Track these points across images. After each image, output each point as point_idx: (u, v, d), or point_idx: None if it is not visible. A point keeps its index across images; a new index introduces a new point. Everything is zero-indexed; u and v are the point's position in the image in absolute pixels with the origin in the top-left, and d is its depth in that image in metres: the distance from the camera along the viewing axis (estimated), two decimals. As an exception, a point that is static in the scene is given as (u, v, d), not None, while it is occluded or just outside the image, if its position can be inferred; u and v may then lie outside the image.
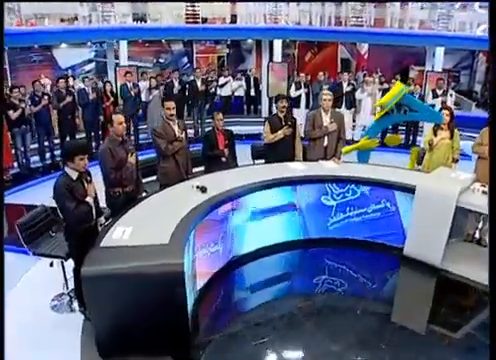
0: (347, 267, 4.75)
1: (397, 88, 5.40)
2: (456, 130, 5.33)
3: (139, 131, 9.53)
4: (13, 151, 7.82)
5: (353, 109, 9.63)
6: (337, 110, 5.55)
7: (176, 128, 4.86)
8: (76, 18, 8.97)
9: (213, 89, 11.48)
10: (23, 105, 7.68)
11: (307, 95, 9.81)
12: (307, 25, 10.47)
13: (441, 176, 4.75)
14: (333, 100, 9.29)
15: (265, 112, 11.77)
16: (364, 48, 15.43)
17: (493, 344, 2.35)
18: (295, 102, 9.99)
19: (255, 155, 6.05)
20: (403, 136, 9.41)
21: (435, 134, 5.32)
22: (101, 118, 8.80)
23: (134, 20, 9.82)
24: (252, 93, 11.80)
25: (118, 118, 4.19)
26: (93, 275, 3.17)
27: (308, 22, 10.49)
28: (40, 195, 5.13)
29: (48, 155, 8.50)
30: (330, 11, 10.21)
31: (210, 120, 10.14)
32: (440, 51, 9.95)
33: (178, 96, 9.53)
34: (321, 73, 9.88)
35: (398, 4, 9.72)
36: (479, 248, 4.92)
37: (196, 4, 10.10)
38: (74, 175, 3.57)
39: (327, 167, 5.16)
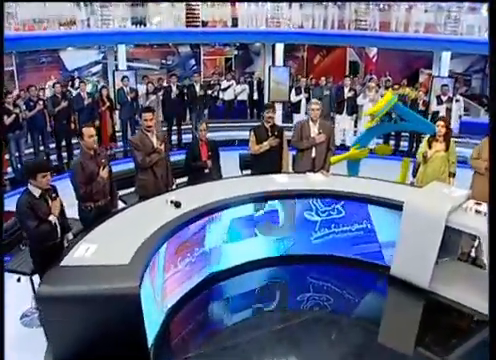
0: (329, 286, 4.54)
1: (387, 97, 5.21)
2: (453, 142, 5.04)
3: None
4: (7, 156, 7.80)
5: (354, 115, 9.36)
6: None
7: (154, 139, 4.69)
8: (74, 22, 8.88)
9: (215, 93, 11.37)
10: (17, 110, 7.65)
11: (308, 100, 9.56)
12: (310, 28, 10.20)
13: (432, 192, 4.48)
14: (334, 105, 9.42)
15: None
16: (373, 51, 15.10)
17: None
18: (295, 107, 9.80)
19: (243, 165, 5.87)
20: (406, 143, 9.16)
21: (430, 146, 5.02)
22: (97, 123, 8.71)
23: (133, 24, 9.70)
24: (255, 97, 11.62)
25: (88, 131, 4.06)
26: (47, 296, 3.09)
27: (311, 25, 10.22)
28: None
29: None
30: (333, 14, 9.93)
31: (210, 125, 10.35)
32: (446, 55, 9.59)
33: (176, 101, 9.44)
34: (323, 78, 9.62)
35: (403, 7, 9.39)
36: (473, 269, 4.64)
37: (196, 7, 9.94)
38: (37, 192, 3.49)
39: (314, 180, 4.93)
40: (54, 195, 3.60)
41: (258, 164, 5.19)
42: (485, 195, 4.54)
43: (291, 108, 10.09)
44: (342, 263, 4.74)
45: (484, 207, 4.17)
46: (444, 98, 8.69)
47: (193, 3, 9.94)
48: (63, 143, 8.55)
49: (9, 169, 7.85)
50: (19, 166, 8.00)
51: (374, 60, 15.61)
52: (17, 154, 7.88)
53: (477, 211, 4.13)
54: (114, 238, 3.67)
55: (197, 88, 9.52)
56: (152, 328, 3.54)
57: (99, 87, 9.36)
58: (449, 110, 8.66)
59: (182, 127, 9.80)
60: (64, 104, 8.19)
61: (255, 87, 11.45)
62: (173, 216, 3.99)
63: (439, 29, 9.38)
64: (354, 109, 9.25)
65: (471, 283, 4.25)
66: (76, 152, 8.63)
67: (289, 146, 5.31)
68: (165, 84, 9.89)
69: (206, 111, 10.12)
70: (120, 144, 9.36)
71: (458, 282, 4.35)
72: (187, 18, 9.98)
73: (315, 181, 4.90)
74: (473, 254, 4.85)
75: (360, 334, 3.88)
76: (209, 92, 11.35)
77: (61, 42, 9.03)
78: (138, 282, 3.08)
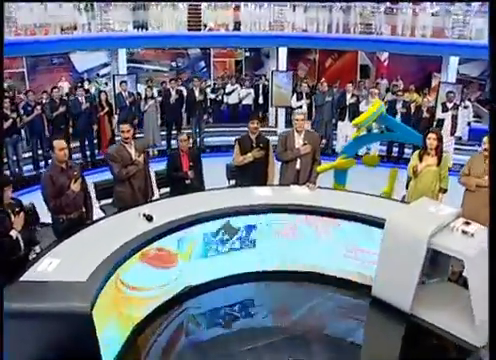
0: (305, 304, 4.33)
1: (374, 107, 5.01)
2: (445, 156, 4.77)
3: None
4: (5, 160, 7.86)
5: (357, 122, 9.10)
6: (312, 131, 5.12)
7: (133, 151, 4.63)
8: (75, 27, 8.91)
9: (220, 97, 11.26)
10: (14, 115, 7.70)
11: (309, 106, 9.37)
12: (314, 32, 9.99)
13: (417, 210, 4.23)
14: (336, 112, 9.19)
15: (272, 121, 11.39)
16: (384, 54, 14.74)
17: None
18: (297, 113, 9.57)
19: (230, 175, 5.73)
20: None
21: (420, 160, 4.77)
22: (95, 127, 8.73)
23: (135, 28, 9.68)
24: (260, 101, 11.47)
25: (58, 144, 4.01)
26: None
27: (315, 29, 10.01)
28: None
29: (42, 164, 8.50)
30: (338, 18, 9.69)
31: (209, 129, 10.24)
32: (454, 60, 9.24)
33: (175, 105, 9.37)
34: (325, 84, 9.40)
35: (410, 10, 9.10)
36: (462, 291, 4.36)
37: (198, 11, 9.85)
38: None
39: (296, 193, 4.76)
40: (17, 209, 3.56)
41: (242, 176, 5.06)
42: (476, 213, 4.34)
43: (292, 114, 9.87)
44: (323, 280, 4.55)
45: (472, 227, 3.93)
46: (449, 105, 8.37)
47: (195, 6, 9.85)
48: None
49: (7, 173, 7.91)
50: (17, 170, 8.08)
51: (385, 64, 15.26)
52: (15, 158, 7.95)
53: (464, 232, 3.86)
54: (79, 253, 3.59)
55: (196, 93, 9.42)
56: (114, 345, 3.46)
57: (96, 92, 9.34)
58: (455, 117, 8.33)
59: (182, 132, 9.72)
60: (62, 109, 8.23)
61: (260, 91, 11.33)
62: (143, 230, 3.89)
63: (447, 33, 9.04)
64: (356, 116, 8.98)
65: (457, 307, 4.00)
66: (75, 156, 8.74)
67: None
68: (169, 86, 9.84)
69: (205, 116, 10.00)
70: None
71: (443, 306, 4.10)
72: (189, 22, 9.91)
73: (297, 194, 4.72)
74: (465, 273, 4.60)
75: (330, 356, 3.70)
76: (212, 96, 11.32)
77: (62, 46, 9.06)
78: (90, 302, 3.00)
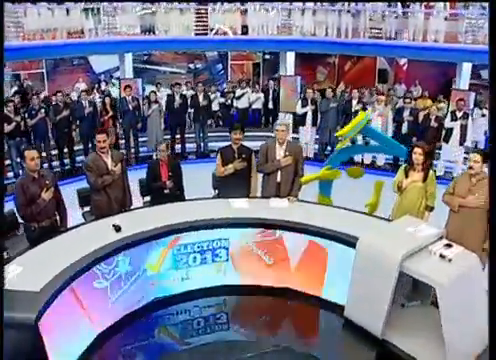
0: (275, 322, 4.19)
1: (358, 118, 4.83)
2: (432, 172, 4.51)
3: (139, 144, 9.46)
4: (8, 161, 8.04)
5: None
6: (294, 142, 4.97)
7: (109, 161, 4.63)
8: (82, 32, 9.03)
9: (229, 101, 11.18)
10: (18, 118, 7.87)
11: (314, 112, 9.17)
12: (323, 36, 9.77)
13: (395, 229, 3.99)
14: (342, 119, 8.94)
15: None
16: (403, 58, 14.30)
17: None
18: (301, 120, 9.39)
19: (215, 185, 5.64)
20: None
21: (406, 175, 4.54)
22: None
23: (142, 32, 9.73)
24: (270, 106, 11.33)
25: (29, 154, 4.10)
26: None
27: (324, 33, 9.79)
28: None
29: (45, 165, 8.65)
30: (347, 22, 9.45)
31: (218, 134, 10.18)
32: (468, 66, 8.84)
33: (179, 110, 9.35)
34: (329, 90, 9.16)
35: (421, 14, 8.75)
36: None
37: (205, 15, 9.82)
38: None
39: (274, 207, 4.63)
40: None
41: (224, 187, 4.97)
42: (460, 235, 4.07)
43: (296, 119, 9.69)
44: (300, 298, 4.39)
45: (453, 250, 3.67)
46: (459, 114, 7.99)
47: (202, 10, 9.83)
48: (65, 150, 8.73)
49: (10, 174, 8.10)
50: (20, 171, 8.24)
51: (404, 68, 14.83)
52: (18, 160, 8.10)
53: (442, 256, 3.60)
54: (41, 262, 3.63)
55: (200, 98, 9.38)
56: (72, 355, 3.46)
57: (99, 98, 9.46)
58: (464, 127, 7.94)
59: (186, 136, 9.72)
60: (65, 113, 8.35)
61: (270, 96, 11.18)
62: (107, 241, 3.87)
63: (460, 38, 8.65)
64: (362, 123, 8.74)
65: (431, 334, 3.77)
66: (79, 159, 8.87)
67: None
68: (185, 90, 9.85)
69: (209, 121, 9.94)
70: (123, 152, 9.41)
71: (417, 331, 3.87)
72: (196, 26, 9.89)
73: (275, 208, 4.60)
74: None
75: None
76: (222, 100, 11.27)
77: (69, 51, 9.19)
78: (36, 313, 3.02)
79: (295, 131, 9.46)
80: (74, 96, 10.12)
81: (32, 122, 8.16)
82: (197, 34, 9.92)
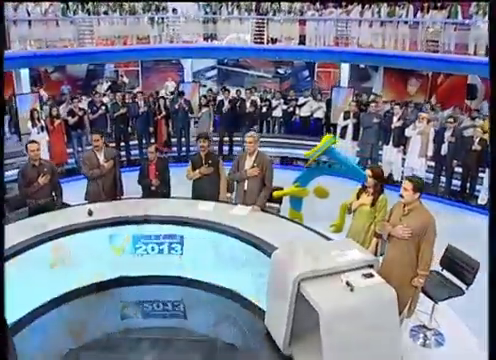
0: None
1: (323, 140, 4.86)
2: (383, 197, 4.27)
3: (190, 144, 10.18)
4: (70, 150, 9.37)
5: (401, 147, 8.41)
6: (264, 153, 5.12)
7: (101, 157, 5.42)
8: (148, 37, 10.08)
9: (291, 108, 11.37)
10: (81, 113, 9.16)
11: (356, 126, 8.97)
12: (379, 49, 9.47)
13: (320, 250, 3.85)
14: (380, 135, 8.60)
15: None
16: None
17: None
18: (341, 133, 9.24)
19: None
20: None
21: (358, 197, 4.41)
22: (151, 129, 9.75)
23: (205, 39, 10.47)
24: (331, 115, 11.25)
25: (31, 146, 5.03)
26: None
27: (381, 45, 9.49)
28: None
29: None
30: (404, 33, 9.03)
31: (279, 140, 10.43)
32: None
33: (228, 115, 9.87)
34: (373, 104, 8.86)
35: (484, 26, 7.96)
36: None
37: (263, 24, 10.20)
38: None
39: (232, 212, 4.91)
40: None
41: (195, 189, 5.44)
42: (390, 265, 3.77)
43: (335, 132, 9.53)
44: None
45: (369, 281, 3.44)
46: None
47: (261, 20, 10.23)
48: (122, 143, 9.84)
49: (71, 160, 9.44)
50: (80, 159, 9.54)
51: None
52: (80, 149, 9.40)
53: (348, 284, 3.39)
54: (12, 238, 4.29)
55: (247, 104, 9.79)
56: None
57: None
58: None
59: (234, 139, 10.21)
60: (122, 110, 9.43)
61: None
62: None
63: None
64: (401, 140, 8.34)
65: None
66: (133, 152, 9.92)
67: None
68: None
69: (255, 127, 10.28)
70: (174, 149, 10.27)
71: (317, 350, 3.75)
72: (255, 35, 10.33)
73: (232, 213, 4.87)
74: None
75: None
76: (284, 107, 11.48)
77: (137, 55, 10.30)
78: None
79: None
80: (163, 94, 11.12)
81: (93, 117, 9.40)
82: (255, 43, 10.34)
